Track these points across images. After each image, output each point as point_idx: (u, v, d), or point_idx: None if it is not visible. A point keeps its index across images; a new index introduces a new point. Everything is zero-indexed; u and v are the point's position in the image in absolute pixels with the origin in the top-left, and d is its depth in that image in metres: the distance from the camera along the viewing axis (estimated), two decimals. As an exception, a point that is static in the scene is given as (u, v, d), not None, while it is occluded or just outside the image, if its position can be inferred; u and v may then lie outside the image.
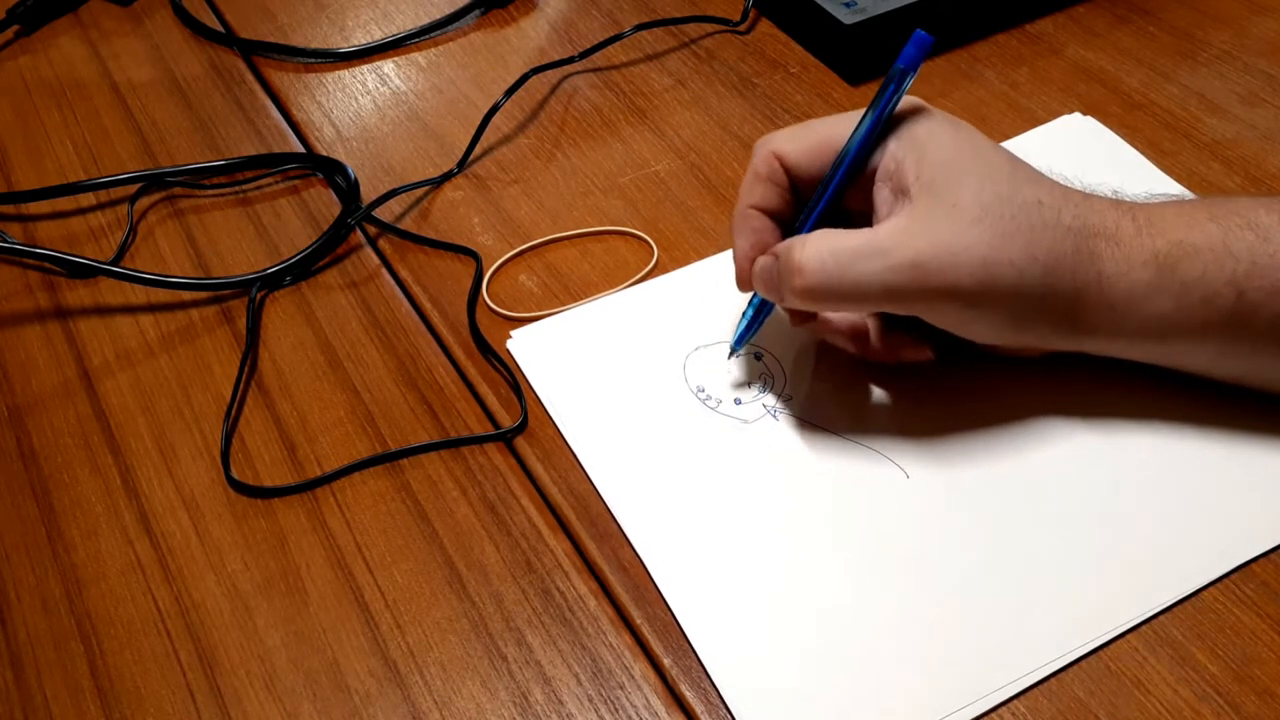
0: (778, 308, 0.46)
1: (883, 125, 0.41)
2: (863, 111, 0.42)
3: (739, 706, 0.38)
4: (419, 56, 0.66)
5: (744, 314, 0.46)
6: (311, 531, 0.44)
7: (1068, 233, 0.39)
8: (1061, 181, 0.41)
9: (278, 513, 0.44)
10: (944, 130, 0.41)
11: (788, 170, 0.43)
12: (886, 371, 0.47)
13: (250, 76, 0.66)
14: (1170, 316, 0.40)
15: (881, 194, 0.41)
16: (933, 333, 0.42)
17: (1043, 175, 0.41)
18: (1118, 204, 0.41)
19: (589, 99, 0.62)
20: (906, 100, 0.42)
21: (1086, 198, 0.41)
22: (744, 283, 0.44)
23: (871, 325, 0.44)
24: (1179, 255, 0.39)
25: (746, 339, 0.47)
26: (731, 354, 0.48)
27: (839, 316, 0.45)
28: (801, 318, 0.45)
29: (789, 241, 0.41)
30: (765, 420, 0.46)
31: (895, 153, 0.41)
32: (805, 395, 0.46)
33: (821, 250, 0.40)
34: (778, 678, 0.38)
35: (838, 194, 0.42)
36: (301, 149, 0.60)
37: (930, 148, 0.40)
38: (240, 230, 0.56)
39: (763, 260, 0.43)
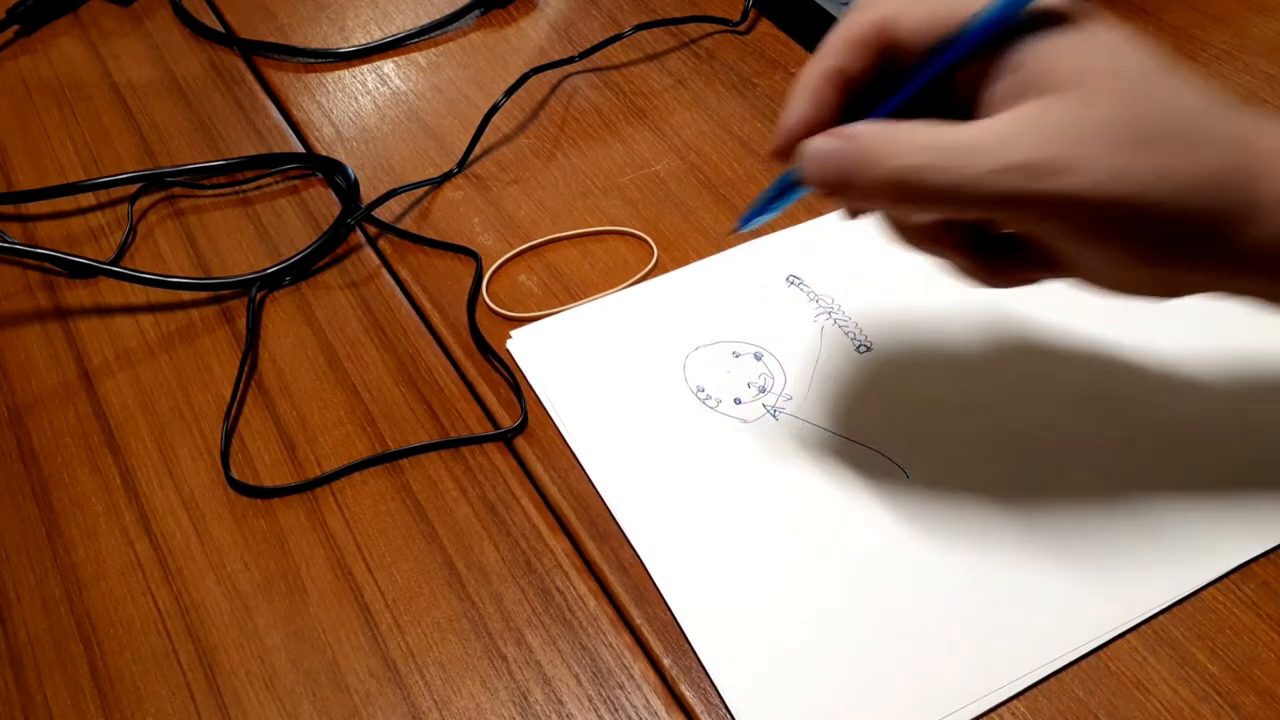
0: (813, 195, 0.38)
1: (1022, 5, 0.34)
2: None
3: (739, 706, 0.38)
4: (419, 56, 0.66)
5: (766, 193, 0.40)
6: (311, 531, 0.44)
7: (1224, 148, 0.33)
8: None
9: (277, 513, 0.44)
10: (1088, 25, 0.34)
11: (895, 42, 0.36)
12: (886, 371, 0.47)
13: (250, 76, 0.66)
14: None
15: (995, 88, 0.34)
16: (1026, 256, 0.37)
17: (1198, 81, 0.35)
18: None
19: (589, 99, 0.62)
20: None
21: (1255, 114, 0.35)
22: (785, 151, 0.37)
23: (948, 235, 0.38)
24: None
25: (762, 218, 0.41)
26: (737, 230, 0.42)
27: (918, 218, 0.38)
28: (858, 210, 0.39)
29: (869, 125, 0.35)
30: (765, 420, 0.46)
31: (1024, 43, 0.34)
32: (805, 395, 0.46)
33: (920, 139, 0.34)
34: (778, 678, 0.38)
35: (948, 72, 0.35)
36: (301, 149, 0.60)
37: (1065, 39, 0.34)
38: (240, 230, 0.56)
39: (826, 142, 0.35)
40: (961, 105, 0.35)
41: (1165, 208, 0.33)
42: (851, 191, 0.35)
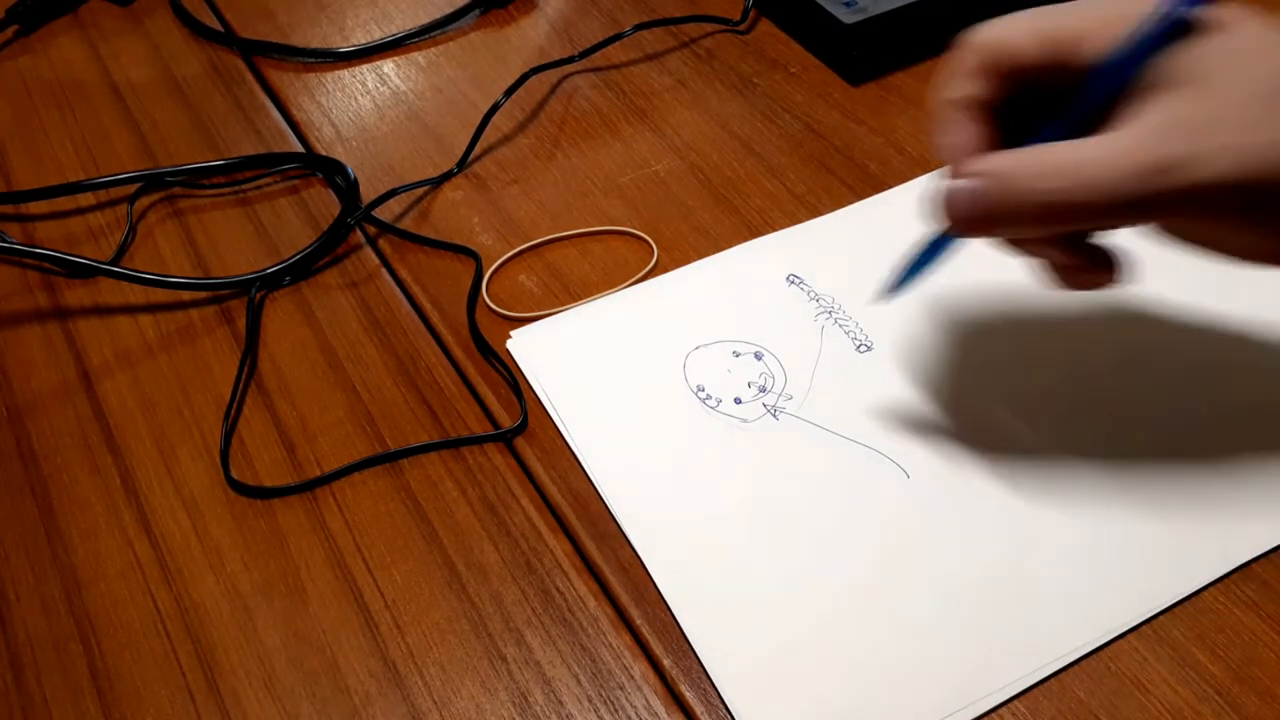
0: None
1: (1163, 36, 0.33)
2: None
3: (739, 706, 0.38)
4: (419, 56, 0.66)
5: (920, 254, 0.39)
6: (311, 532, 0.44)
7: None
8: None
9: (277, 513, 0.44)
10: (1223, 23, 0.34)
11: (1016, 67, 0.36)
12: (886, 371, 0.47)
13: (250, 76, 0.65)
14: None
15: (1129, 100, 0.34)
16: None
17: None
18: None
19: (589, 99, 0.62)
20: None
21: None
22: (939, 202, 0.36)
23: (1064, 253, 0.37)
24: None
25: (917, 276, 0.40)
26: (893, 293, 0.41)
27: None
28: (1018, 244, 0.38)
29: (1004, 157, 0.35)
30: (765, 420, 0.46)
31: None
32: (805, 395, 0.46)
33: (1057, 160, 0.34)
34: (777, 678, 0.38)
35: (1105, 102, 0.35)
36: (301, 149, 0.60)
37: (1199, 42, 0.34)
38: (240, 230, 0.56)
39: (963, 182, 0.35)
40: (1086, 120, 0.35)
41: None
42: (999, 227, 0.35)
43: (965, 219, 0.36)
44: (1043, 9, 0.36)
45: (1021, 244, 0.38)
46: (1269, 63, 0.33)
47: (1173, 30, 0.34)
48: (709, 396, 0.47)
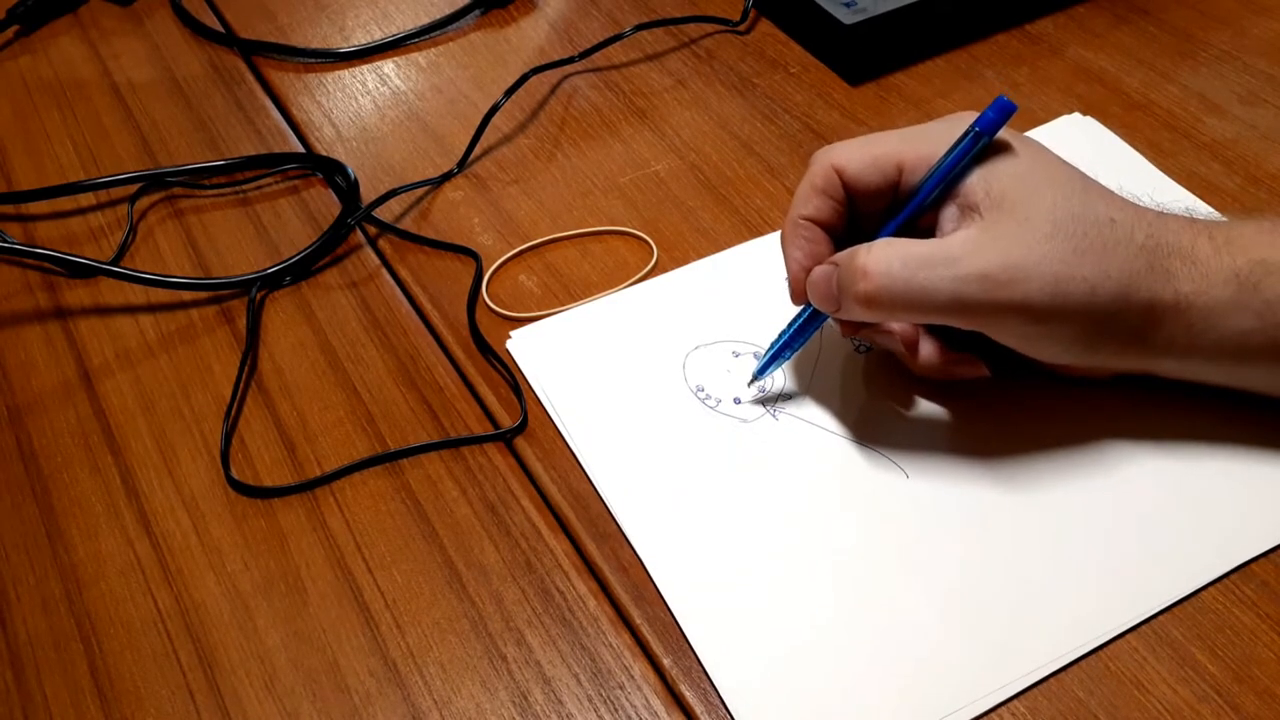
0: (828, 321, 0.45)
1: (971, 156, 0.40)
2: (924, 129, 0.42)
3: (738, 706, 0.38)
4: (419, 56, 0.66)
5: (784, 332, 0.45)
6: (311, 531, 0.44)
7: (1141, 251, 0.39)
8: (1132, 200, 0.41)
9: (278, 513, 0.44)
10: (1014, 149, 0.41)
11: (846, 184, 0.43)
12: (886, 371, 0.47)
13: (250, 76, 0.66)
14: (1252, 335, 0.39)
15: (948, 212, 0.41)
16: (991, 349, 0.42)
17: (1114, 193, 0.41)
18: (1192, 222, 0.41)
19: (589, 99, 0.62)
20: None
21: (1160, 216, 0.41)
22: (799, 294, 0.44)
23: (925, 340, 0.43)
24: (1262, 274, 0.39)
25: (786, 358, 0.46)
26: (760, 376, 0.46)
27: (896, 325, 0.43)
28: (853, 327, 0.44)
29: (852, 249, 0.41)
30: (765, 420, 0.46)
31: (968, 170, 0.41)
32: (805, 395, 0.46)
33: (889, 255, 0.39)
34: (777, 678, 0.38)
35: (920, 212, 0.42)
36: (301, 149, 0.60)
37: (1000, 165, 0.40)
38: (240, 230, 0.56)
39: (821, 269, 0.42)
40: (923, 229, 0.42)
41: (1102, 304, 0.39)
42: (844, 307, 0.41)
43: (817, 300, 0.42)
44: (872, 136, 0.44)
45: (868, 336, 0.44)
46: (1068, 199, 0.39)
47: (976, 149, 0.40)
48: (709, 396, 0.47)
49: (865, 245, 0.40)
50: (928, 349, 0.43)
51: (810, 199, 0.43)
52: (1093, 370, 0.44)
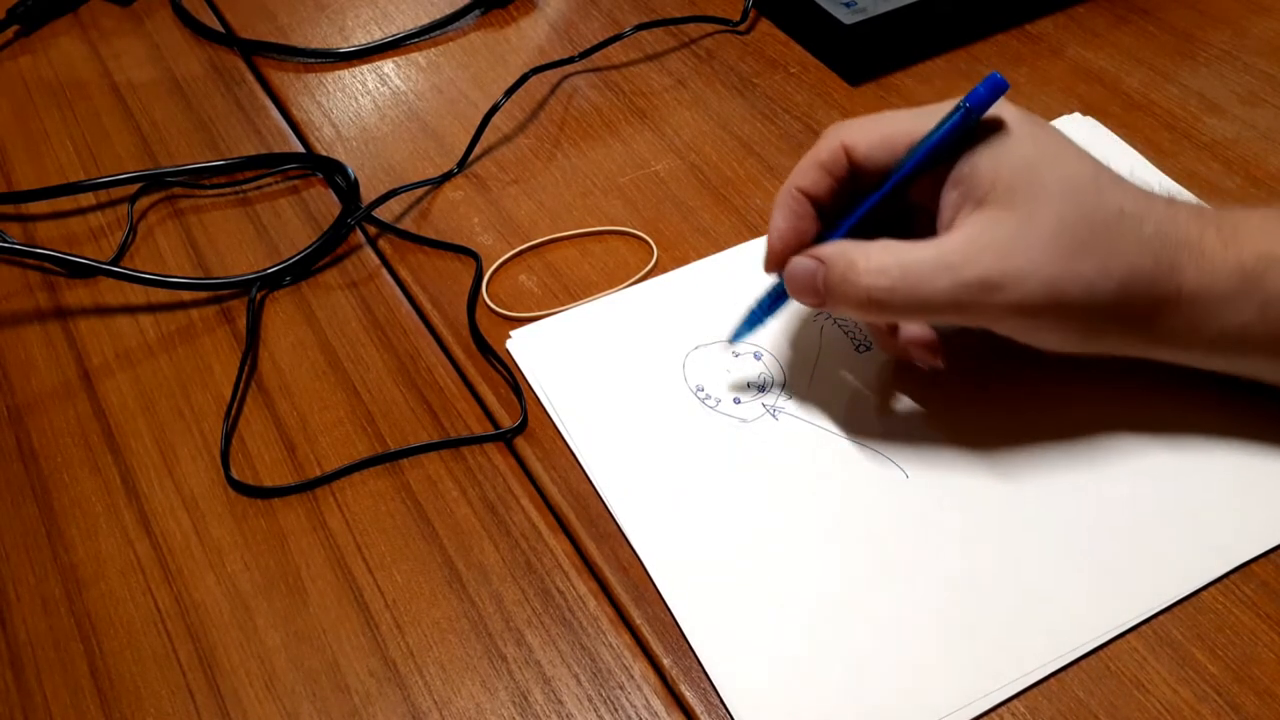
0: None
1: (960, 133, 0.40)
2: (940, 107, 0.41)
3: (738, 706, 0.38)
4: (419, 56, 0.66)
5: (760, 301, 0.45)
6: (311, 531, 0.44)
7: (1148, 244, 0.39)
8: (1144, 187, 0.41)
9: (278, 513, 0.44)
10: (1024, 134, 0.40)
11: (854, 163, 0.42)
12: (886, 371, 0.47)
13: (250, 76, 0.66)
14: (1252, 327, 0.40)
15: (950, 197, 0.40)
16: (990, 336, 0.42)
17: (1126, 181, 0.40)
18: (1201, 213, 0.41)
19: (589, 99, 0.62)
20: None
21: (1170, 205, 0.40)
22: (774, 262, 0.43)
23: (914, 331, 0.43)
24: (1264, 267, 0.39)
25: (755, 328, 0.46)
26: (734, 341, 0.47)
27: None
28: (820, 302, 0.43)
29: (845, 248, 0.40)
30: (764, 420, 0.46)
31: (971, 156, 0.40)
32: (805, 395, 0.46)
33: (886, 262, 0.39)
34: (777, 678, 0.38)
35: (898, 191, 0.41)
36: (301, 149, 0.60)
37: (1008, 154, 0.39)
38: (240, 230, 0.56)
39: (804, 262, 0.41)
40: (921, 213, 0.42)
41: (1102, 301, 0.39)
42: (829, 307, 0.41)
43: (800, 295, 0.42)
44: (884, 114, 0.43)
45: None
46: (1074, 192, 0.39)
47: (965, 125, 0.39)
48: (709, 396, 0.47)
49: (860, 247, 0.40)
50: (916, 338, 0.43)
51: (810, 171, 0.43)
52: (1093, 354, 0.43)
